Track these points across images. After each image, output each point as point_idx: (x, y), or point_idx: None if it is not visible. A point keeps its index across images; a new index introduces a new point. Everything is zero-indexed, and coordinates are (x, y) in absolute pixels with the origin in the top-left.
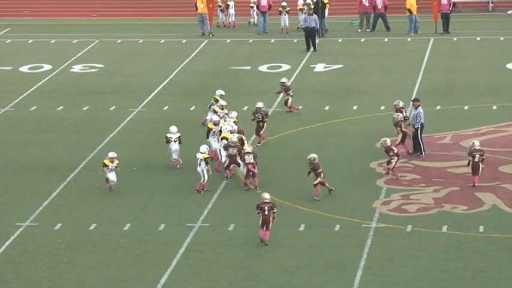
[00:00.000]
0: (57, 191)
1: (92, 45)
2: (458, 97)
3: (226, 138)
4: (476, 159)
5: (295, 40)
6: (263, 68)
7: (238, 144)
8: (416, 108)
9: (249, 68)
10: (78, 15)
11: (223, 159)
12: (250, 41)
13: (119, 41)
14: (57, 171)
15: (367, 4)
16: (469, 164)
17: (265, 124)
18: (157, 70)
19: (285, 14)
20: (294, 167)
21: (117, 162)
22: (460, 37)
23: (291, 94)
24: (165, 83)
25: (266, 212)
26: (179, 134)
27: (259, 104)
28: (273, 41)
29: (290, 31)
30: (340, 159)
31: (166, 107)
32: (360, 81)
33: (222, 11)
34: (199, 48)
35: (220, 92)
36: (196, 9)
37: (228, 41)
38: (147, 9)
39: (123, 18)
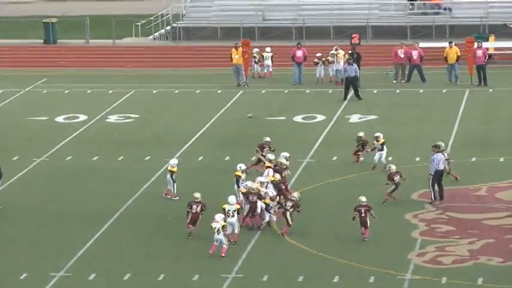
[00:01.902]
0: (92, 240)
1: (127, 95)
2: (494, 148)
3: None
4: None
5: (330, 91)
6: (298, 118)
7: (258, 190)
8: (433, 155)
9: (284, 118)
10: (114, 66)
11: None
12: (286, 91)
13: (155, 91)
14: (92, 221)
15: (402, 55)
16: None
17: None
18: (192, 120)
19: (321, 65)
20: (329, 217)
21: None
22: (496, 88)
23: (367, 149)
24: (200, 132)
25: (194, 210)
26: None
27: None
28: (308, 91)
29: (325, 82)
30: (375, 210)
31: (201, 157)
32: (395, 132)
33: (256, 62)
34: (234, 99)
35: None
36: (232, 60)
37: (263, 91)
38: (182, 60)
39: (158, 68)
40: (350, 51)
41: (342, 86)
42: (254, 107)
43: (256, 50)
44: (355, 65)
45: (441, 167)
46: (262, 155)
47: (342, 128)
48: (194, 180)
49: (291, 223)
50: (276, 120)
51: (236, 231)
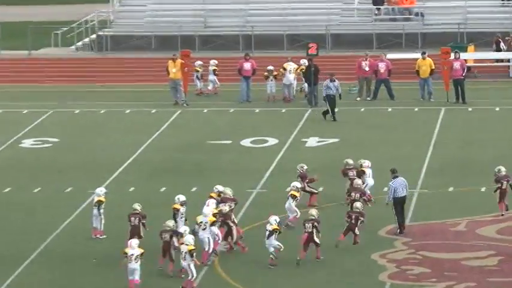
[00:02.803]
0: (4, 286)
1: (45, 115)
2: (475, 177)
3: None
4: (504, 187)
5: (283, 110)
6: (246, 142)
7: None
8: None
9: (229, 142)
10: (29, 82)
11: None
12: (231, 110)
13: (77, 111)
14: (4, 263)
15: (367, 68)
16: (496, 190)
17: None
18: (121, 145)
19: (272, 80)
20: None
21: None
22: (476, 107)
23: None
24: (130, 160)
25: (133, 223)
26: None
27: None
28: (257, 110)
29: (277, 99)
30: (338, 249)
31: (132, 188)
32: (359, 157)
33: (198, 78)
34: (171, 120)
35: None
36: (168, 74)
37: (205, 110)
38: (110, 74)
39: (82, 84)
40: (306, 63)
41: (288, 104)
42: (195, 130)
43: (199, 62)
44: (337, 82)
45: (400, 194)
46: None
47: (298, 153)
48: (124, 215)
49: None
50: (220, 145)
51: (190, 278)
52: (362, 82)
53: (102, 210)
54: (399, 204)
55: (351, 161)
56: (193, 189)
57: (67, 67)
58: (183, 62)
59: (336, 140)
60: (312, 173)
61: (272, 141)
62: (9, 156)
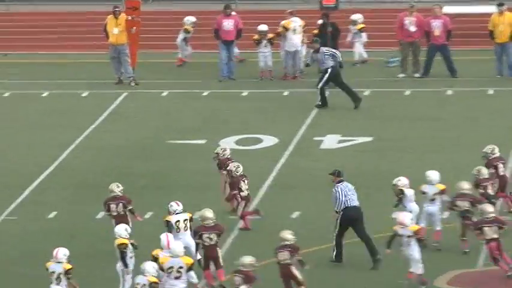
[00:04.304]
0: None
1: None
2: None
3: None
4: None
5: (285, 92)
6: (228, 141)
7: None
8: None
9: (203, 142)
10: None
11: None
12: (205, 93)
13: None
14: None
15: (413, 29)
16: None
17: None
18: (36, 146)
19: (265, 46)
20: None
21: None
22: None
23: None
24: (49, 170)
25: (115, 212)
26: None
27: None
28: (245, 93)
29: (275, 75)
30: None
31: (53, 214)
32: (402, 165)
33: (186, 41)
34: (112, 107)
35: None
36: (108, 37)
37: (165, 93)
38: (15, 37)
39: None
40: (320, 21)
41: (292, 83)
42: (148, 123)
43: (191, 19)
44: (324, 49)
45: (350, 204)
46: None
47: (309, 158)
48: (38, 251)
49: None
50: (188, 146)
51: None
52: (406, 50)
53: (131, 258)
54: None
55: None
56: (148, 214)
57: None
58: (129, 18)
59: (369, 138)
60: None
61: (268, 140)
62: None
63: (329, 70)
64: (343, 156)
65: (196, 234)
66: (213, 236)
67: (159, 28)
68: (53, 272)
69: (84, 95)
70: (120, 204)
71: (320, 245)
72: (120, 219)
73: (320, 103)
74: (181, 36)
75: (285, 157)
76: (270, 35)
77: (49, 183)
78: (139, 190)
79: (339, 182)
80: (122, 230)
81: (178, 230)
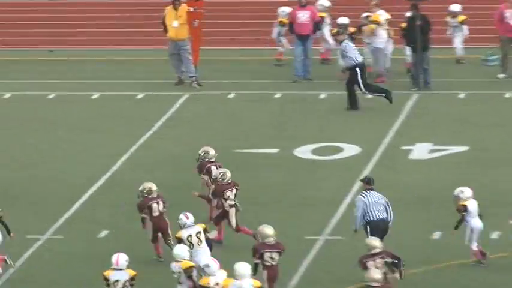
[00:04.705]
0: None
1: None
2: None
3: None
4: None
5: (369, 95)
6: (304, 151)
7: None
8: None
9: (275, 151)
10: None
11: None
12: (278, 95)
13: (7, 95)
14: None
15: None
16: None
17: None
18: (83, 156)
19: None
20: None
21: None
22: None
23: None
24: (99, 183)
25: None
26: None
27: None
28: (323, 95)
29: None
30: None
31: (103, 233)
32: (506, 178)
33: (281, 35)
34: (171, 111)
35: None
36: (166, 31)
37: (232, 95)
38: (62, 31)
39: (13, 49)
40: (409, 13)
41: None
42: (213, 129)
43: (285, 10)
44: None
45: (376, 216)
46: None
47: (396, 171)
48: (85, 275)
49: None
50: (258, 156)
51: None
52: (506, 47)
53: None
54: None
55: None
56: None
57: None
58: (191, 9)
59: (463, 148)
60: (429, 209)
61: (350, 149)
62: None
63: (357, 70)
64: (437, 169)
65: (257, 253)
66: (275, 256)
67: (225, 21)
68: (117, 281)
69: (139, 97)
70: (161, 202)
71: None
72: (159, 220)
73: (349, 105)
74: (276, 30)
75: (369, 169)
76: (351, 29)
77: (100, 198)
78: (202, 206)
79: (367, 190)
80: (185, 252)
81: (191, 246)
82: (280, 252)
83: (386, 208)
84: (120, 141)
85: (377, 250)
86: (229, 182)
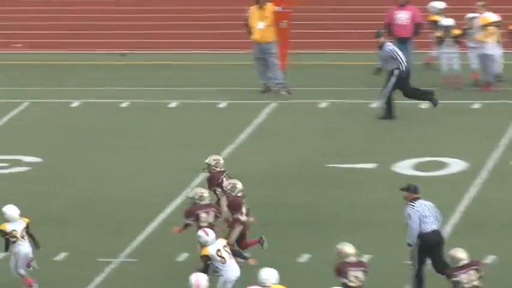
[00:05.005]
0: None
1: (15, 111)
2: None
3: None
4: None
5: (475, 105)
6: (405, 166)
7: None
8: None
9: (372, 166)
10: None
11: None
12: (374, 105)
13: (76, 103)
14: None
15: None
16: None
17: None
18: (160, 170)
19: (450, 45)
20: None
21: None
22: None
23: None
24: (179, 199)
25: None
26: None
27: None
28: (424, 105)
29: (463, 83)
30: None
31: (182, 256)
32: None
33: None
34: (257, 121)
35: None
36: (250, 32)
37: (324, 104)
38: (135, 33)
39: (84, 52)
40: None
41: (486, 94)
42: (303, 140)
43: (438, 5)
44: (396, 52)
45: (428, 228)
46: None
47: (507, 189)
48: None
49: None
50: (354, 171)
51: None
52: None
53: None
54: (433, 248)
55: None
56: (303, 257)
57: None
58: (278, 9)
59: None
60: None
61: (456, 165)
62: None
63: (396, 72)
64: None
65: (341, 272)
66: (360, 275)
67: (315, 22)
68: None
69: (221, 106)
70: (212, 212)
71: None
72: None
73: (384, 114)
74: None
75: (477, 186)
76: (456, 32)
77: (179, 217)
78: (291, 226)
79: (414, 199)
80: (274, 276)
81: (224, 261)
82: (364, 271)
83: (437, 217)
84: (200, 154)
85: (465, 262)
86: (240, 194)
